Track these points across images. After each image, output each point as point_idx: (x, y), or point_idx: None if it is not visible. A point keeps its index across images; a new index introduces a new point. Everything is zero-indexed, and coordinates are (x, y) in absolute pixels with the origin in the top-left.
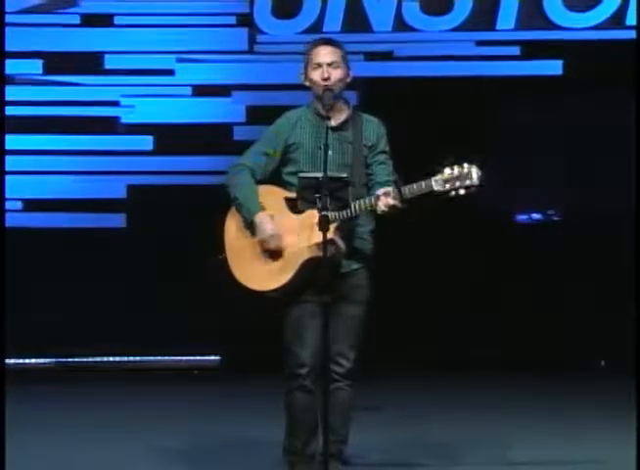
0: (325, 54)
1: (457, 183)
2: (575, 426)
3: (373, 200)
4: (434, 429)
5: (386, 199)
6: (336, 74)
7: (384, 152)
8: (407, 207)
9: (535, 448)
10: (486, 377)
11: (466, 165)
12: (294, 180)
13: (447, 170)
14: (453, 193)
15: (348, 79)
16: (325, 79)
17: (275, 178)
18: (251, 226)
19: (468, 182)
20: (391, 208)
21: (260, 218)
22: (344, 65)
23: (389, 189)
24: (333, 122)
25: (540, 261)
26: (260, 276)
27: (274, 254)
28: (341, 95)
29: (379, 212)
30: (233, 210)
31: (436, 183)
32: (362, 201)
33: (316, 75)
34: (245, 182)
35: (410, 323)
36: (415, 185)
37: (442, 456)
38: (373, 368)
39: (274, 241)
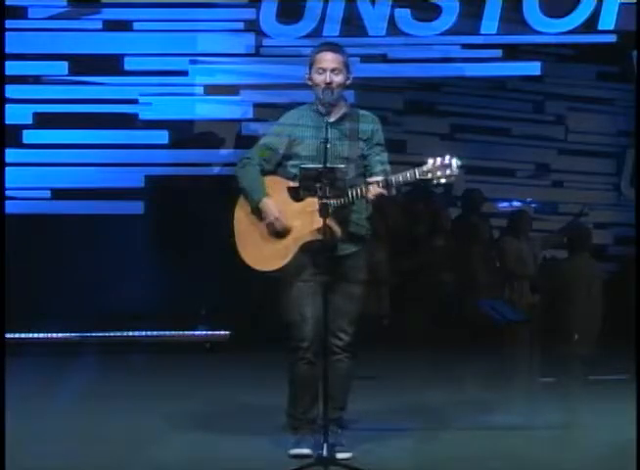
0: (328, 60)
1: (438, 173)
2: (553, 394)
3: (364, 188)
4: (424, 397)
5: (375, 187)
6: (337, 80)
7: (378, 144)
8: (395, 193)
9: (517, 414)
10: (474, 349)
11: (447, 157)
12: (297, 171)
13: (430, 161)
14: (435, 181)
15: (348, 82)
16: (327, 84)
17: (280, 170)
18: (257, 211)
19: (448, 171)
20: (380, 195)
21: (265, 203)
22: (346, 70)
23: (379, 178)
24: (332, 118)
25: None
26: (265, 258)
27: (280, 234)
28: (340, 95)
29: (370, 200)
30: (240, 200)
31: (420, 172)
32: (356, 189)
33: (319, 79)
34: (252, 172)
35: (402, 299)
36: (401, 175)
37: (432, 421)
38: (372, 341)
39: (280, 223)
